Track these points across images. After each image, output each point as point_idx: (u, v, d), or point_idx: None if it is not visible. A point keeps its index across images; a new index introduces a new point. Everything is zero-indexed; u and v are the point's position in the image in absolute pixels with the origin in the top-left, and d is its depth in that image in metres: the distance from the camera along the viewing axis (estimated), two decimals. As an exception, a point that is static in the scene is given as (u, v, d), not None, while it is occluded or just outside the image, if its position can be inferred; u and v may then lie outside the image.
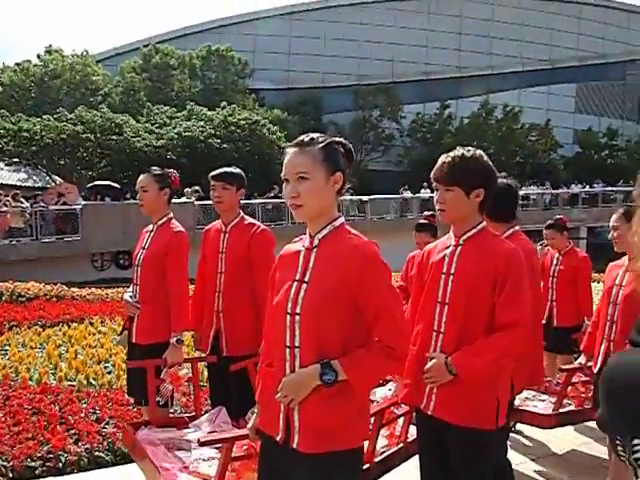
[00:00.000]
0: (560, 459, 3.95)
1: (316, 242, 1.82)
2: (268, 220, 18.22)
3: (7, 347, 6.19)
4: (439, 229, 3.84)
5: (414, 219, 4.34)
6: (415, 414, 2.41)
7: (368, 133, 35.92)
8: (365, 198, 23.17)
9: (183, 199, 18.29)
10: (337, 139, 1.85)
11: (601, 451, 3.86)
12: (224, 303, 3.34)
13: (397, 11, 40.56)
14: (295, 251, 1.88)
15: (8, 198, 16.15)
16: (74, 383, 4.89)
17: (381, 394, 3.48)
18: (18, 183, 23.18)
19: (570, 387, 3.84)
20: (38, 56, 31.52)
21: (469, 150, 2.21)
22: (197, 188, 18.17)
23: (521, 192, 25.83)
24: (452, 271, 2.23)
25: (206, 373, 4.13)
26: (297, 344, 1.76)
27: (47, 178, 24.61)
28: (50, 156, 23.76)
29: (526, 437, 4.25)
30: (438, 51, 40.69)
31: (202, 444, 2.15)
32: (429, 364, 2.18)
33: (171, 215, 3.39)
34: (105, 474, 3.48)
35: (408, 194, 24.84)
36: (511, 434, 4.20)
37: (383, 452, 2.88)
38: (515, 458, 3.83)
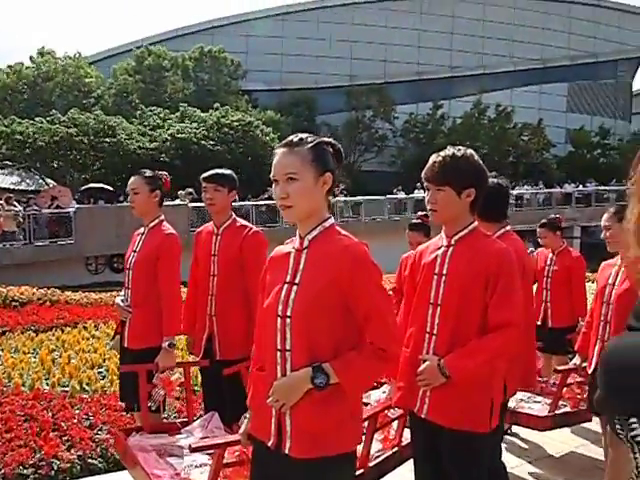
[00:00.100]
0: (556, 461, 3.94)
1: (306, 243, 1.81)
2: (262, 222, 18.21)
3: (0, 353, 6.14)
4: (432, 229, 3.83)
5: (408, 219, 4.36)
6: (409, 417, 2.39)
7: (361, 134, 35.97)
8: (359, 199, 23.18)
9: (177, 201, 18.26)
10: (326, 139, 1.84)
11: (597, 453, 3.84)
12: (217, 306, 3.31)
13: (389, 11, 40.63)
14: (285, 253, 1.86)
15: (1, 202, 16.05)
16: (67, 389, 4.84)
17: (375, 397, 3.46)
18: (11, 186, 23.07)
19: (565, 388, 3.83)
20: (30, 58, 31.41)
21: (460, 150, 2.20)
22: (191, 190, 18.12)
23: (515, 192, 25.96)
24: (444, 272, 2.21)
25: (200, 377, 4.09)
26: (288, 347, 1.74)
27: (40, 181, 24.50)
28: (43, 159, 23.67)
29: (522, 439, 4.24)
30: (430, 51, 40.79)
31: (193, 450, 2.13)
32: (422, 366, 2.16)
33: (162, 217, 3.36)
34: (98, 481, 3.44)
35: (402, 195, 24.86)
36: (507, 436, 4.19)
37: (377, 456, 2.86)
38: (511, 460, 3.81)
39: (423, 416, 2.20)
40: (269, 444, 1.76)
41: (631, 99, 47.21)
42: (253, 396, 1.88)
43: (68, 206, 17.70)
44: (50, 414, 4.09)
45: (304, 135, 1.81)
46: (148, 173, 3.35)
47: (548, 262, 4.79)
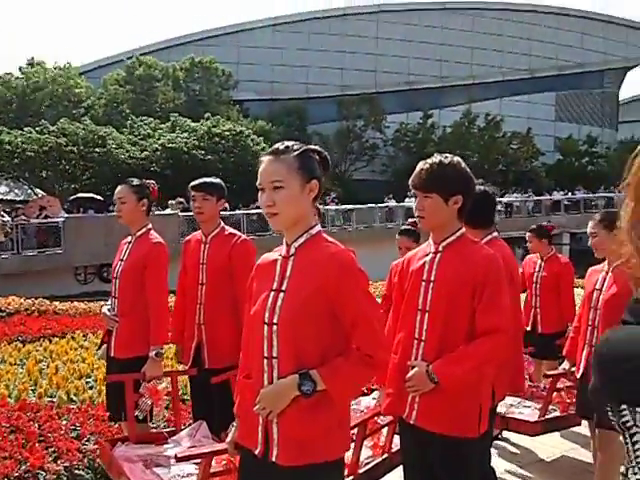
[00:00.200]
0: (547, 465, 3.96)
1: (293, 251, 1.80)
2: (253, 231, 18.19)
3: (-14, 364, 6.06)
4: (422, 236, 3.85)
5: (399, 228, 4.38)
6: (398, 424, 2.39)
7: (352, 143, 36.14)
8: (350, 207, 23.24)
9: (167, 211, 18.21)
10: (312, 147, 1.84)
11: (587, 456, 3.86)
12: (205, 315, 3.29)
13: (380, 22, 40.95)
14: (272, 260, 1.85)
15: (-11, 212, 15.95)
16: (54, 399, 4.79)
17: (366, 403, 3.46)
18: (-1, 196, 22.93)
19: (555, 393, 3.85)
20: (20, 69, 31.31)
21: (447, 157, 2.21)
22: (181, 200, 18.09)
23: (504, 199, 26.15)
24: (432, 278, 2.21)
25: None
26: (275, 354, 1.73)
27: (29, 191, 24.37)
28: (32, 169, 23.54)
29: (512, 444, 4.25)
30: (421, 61, 41.14)
31: (179, 459, 2.11)
32: (410, 373, 2.16)
33: (150, 226, 3.34)
34: (85, 492, 3.39)
35: (393, 203, 24.95)
36: (498, 441, 4.20)
37: (367, 463, 2.85)
38: (502, 465, 3.82)
39: (412, 422, 2.20)
40: (256, 452, 1.75)
41: (618, 108, 47.82)
42: (240, 404, 1.86)
43: (57, 216, 17.60)
44: (36, 425, 4.03)
45: (290, 143, 1.81)
46: (135, 182, 3.33)
47: (537, 268, 4.82)
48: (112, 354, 3.24)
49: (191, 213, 3.45)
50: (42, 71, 30.48)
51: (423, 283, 2.24)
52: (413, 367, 2.16)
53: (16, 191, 24.57)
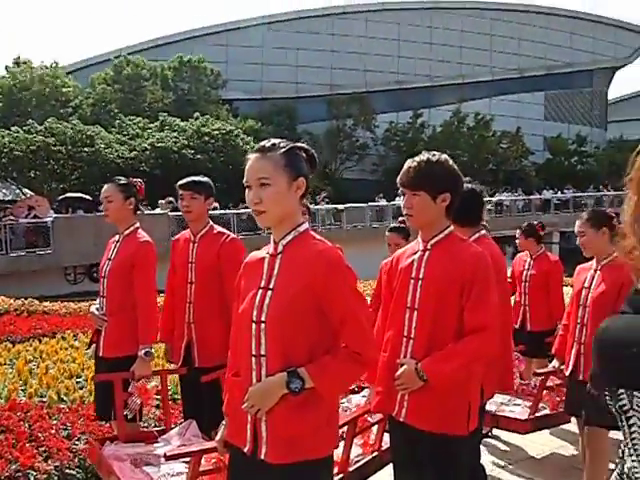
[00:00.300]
0: (536, 463, 3.98)
1: (280, 248, 1.80)
2: (243, 230, 18.15)
3: (-26, 365, 6.01)
4: (412, 233, 3.86)
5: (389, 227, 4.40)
6: (388, 421, 2.40)
7: (342, 142, 36.15)
8: (340, 207, 23.25)
9: (157, 210, 18.13)
10: (299, 144, 1.84)
11: (576, 454, 3.89)
12: (195, 314, 3.29)
13: (369, 22, 40.99)
14: (259, 258, 1.85)
15: (-24, 212, 15.81)
16: (44, 399, 4.76)
17: (356, 401, 3.46)
18: (-13, 197, 22.72)
19: (545, 391, 3.87)
20: (6, 68, 31.01)
21: (434, 154, 2.22)
22: (171, 199, 18.00)
23: (494, 198, 26.27)
24: (421, 276, 2.22)
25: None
26: (263, 352, 1.73)
27: (17, 191, 24.14)
28: (20, 169, 23.34)
29: (503, 442, 4.27)
30: (410, 61, 41.21)
31: (168, 458, 2.10)
32: (400, 370, 2.16)
33: (138, 225, 3.33)
34: (75, 492, 3.38)
35: (383, 202, 24.99)
36: (488, 439, 4.22)
37: (357, 461, 2.86)
38: (492, 463, 3.85)
39: (402, 420, 2.21)
40: (245, 450, 1.75)
41: (606, 108, 48.18)
42: (228, 402, 1.86)
43: (45, 216, 17.47)
44: (27, 425, 4.01)
45: (277, 140, 1.81)
46: (122, 181, 3.32)
47: (526, 266, 4.84)
48: (101, 354, 3.23)
49: (181, 213, 3.44)
50: (29, 70, 30.19)
51: (412, 281, 2.24)
52: (402, 365, 2.17)
53: (4, 191, 24.32)
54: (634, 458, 0.91)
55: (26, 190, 23.65)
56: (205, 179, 3.41)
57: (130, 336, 3.12)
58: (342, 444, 2.58)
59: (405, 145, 34.94)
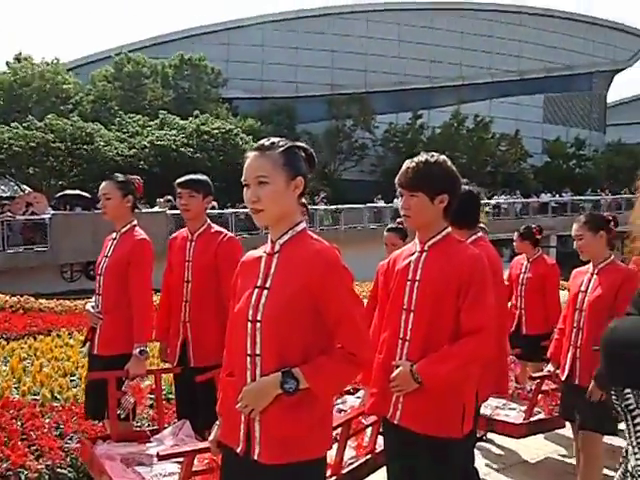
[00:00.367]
0: (530, 467, 3.98)
1: (277, 247, 1.80)
2: (241, 229, 18.14)
3: (-31, 361, 5.99)
4: (409, 234, 3.85)
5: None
6: (382, 424, 2.38)
7: (342, 142, 36.16)
8: (339, 207, 23.25)
9: (155, 209, 18.09)
10: (298, 144, 1.83)
11: (570, 458, 3.88)
12: (191, 313, 3.27)
13: (370, 22, 41.01)
14: (256, 257, 1.84)
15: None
16: (38, 397, 4.74)
17: (350, 403, 3.45)
18: (-15, 193, 22.68)
19: (540, 395, 3.86)
20: (7, 64, 30.94)
21: (433, 156, 2.21)
22: (169, 198, 17.96)
23: (492, 201, 26.28)
24: (417, 278, 2.21)
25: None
26: (258, 352, 1.72)
27: (15, 187, 24.11)
28: (19, 165, 23.30)
29: (497, 445, 4.27)
30: (410, 62, 41.24)
31: (161, 458, 2.08)
32: (395, 372, 2.15)
33: (135, 222, 3.32)
34: (66, 491, 3.36)
35: (381, 203, 24.99)
36: (482, 442, 4.21)
37: (351, 463, 2.84)
38: (486, 466, 3.84)
39: (396, 422, 2.19)
40: (238, 450, 1.74)
41: (605, 111, 48.27)
42: (222, 402, 1.86)
43: (43, 213, 17.43)
44: (19, 423, 3.99)
45: (276, 139, 1.80)
46: (120, 178, 3.31)
47: (523, 270, 4.84)
48: (95, 351, 3.21)
49: (179, 211, 3.42)
50: (29, 66, 30.13)
51: (408, 282, 2.23)
52: (397, 367, 2.16)
53: (2, 187, 24.30)
54: (639, 456, 0.93)
55: (24, 186, 23.62)
56: (204, 177, 3.39)
57: (125, 334, 3.10)
58: (335, 446, 2.56)
59: (404, 146, 34.95)
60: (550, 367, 3.54)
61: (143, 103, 30.25)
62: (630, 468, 0.94)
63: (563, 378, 3.24)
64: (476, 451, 3.15)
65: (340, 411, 3.19)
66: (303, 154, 1.81)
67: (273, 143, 1.77)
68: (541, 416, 3.89)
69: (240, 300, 1.80)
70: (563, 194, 30.95)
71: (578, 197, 30.44)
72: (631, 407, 0.94)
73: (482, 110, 39.45)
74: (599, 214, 3.43)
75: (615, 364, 0.98)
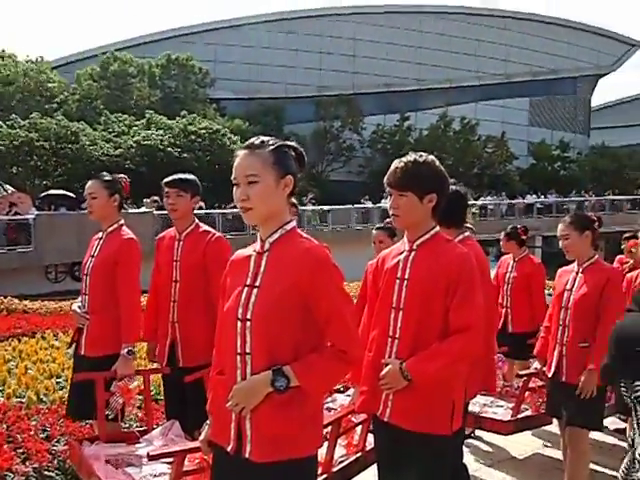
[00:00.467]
0: (519, 463, 4.03)
1: (267, 246, 1.80)
2: (229, 230, 18.08)
3: (-48, 363, 5.90)
4: (398, 233, 3.87)
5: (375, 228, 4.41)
6: (372, 421, 2.39)
7: (329, 144, 36.22)
8: (326, 208, 23.28)
9: (142, 209, 17.98)
10: (288, 143, 1.83)
11: (557, 454, 3.93)
12: (179, 313, 3.25)
13: (358, 24, 41.10)
14: (246, 256, 1.84)
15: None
16: (23, 400, 4.69)
17: (340, 401, 3.46)
18: (-33, 193, 22.36)
19: (527, 392, 3.90)
20: (-10, 61, 30.56)
21: (421, 155, 2.22)
22: (156, 198, 17.86)
23: (479, 202, 26.46)
24: (406, 276, 2.22)
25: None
26: (248, 350, 1.72)
27: (-1, 187, 23.82)
28: (2, 164, 23.05)
29: (485, 442, 4.31)
30: (398, 64, 41.41)
31: (151, 458, 2.07)
32: (384, 370, 2.16)
33: (122, 222, 3.29)
34: (54, 493, 3.33)
35: (369, 204, 25.06)
36: (470, 439, 4.25)
37: (341, 461, 2.85)
38: (475, 463, 3.88)
39: (386, 420, 2.20)
40: (229, 449, 1.73)
41: (589, 114, 48.84)
42: (213, 401, 1.85)
43: (27, 213, 17.24)
44: (5, 426, 3.94)
45: (265, 138, 1.80)
46: (107, 177, 3.28)
47: (509, 269, 4.89)
48: (82, 352, 3.18)
49: (166, 212, 3.40)
50: (13, 64, 29.81)
51: (397, 281, 2.24)
52: (387, 365, 2.17)
53: (-15, 187, 23.99)
54: None
55: (8, 186, 23.33)
56: (192, 177, 3.38)
57: (112, 335, 3.07)
58: (326, 444, 2.57)
59: (392, 148, 35.09)
60: (537, 365, 3.58)
61: (129, 102, 30.06)
62: (637, 455, 1.00)
63: (550, 375, 3.27)
64: (465, 448, 3.18)
65: (330, 410, 3.19)
66: (293, 153, 1.82)
67: (263, 142, 1.77)
68: (528, 413, 3.93)
69: (230, 299, 1.79)
70: (548, 195, 31.27)
71: (563, 199, 30.77)
72: None
73: (469, 112, 39.74)
74: (585, 214, 3.48)
75: (625, 358, 1.03)
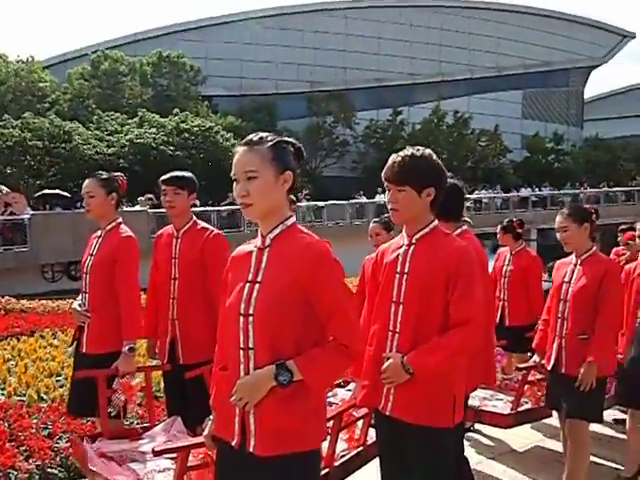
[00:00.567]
0: (519, 456, 4.04)
1: (268, 242, 1.81)
2: (224, 227, 18.06)
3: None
4: (395, 228, 3.88)
5: (369, 224, 4.37)
6: (374, 415, 2.41)
7: (322, 139, 36.17)
8: (321, 204, 23.27)
9: (136, 207, 17.94)
10: (286, 139, 1.84)
11: (557, 446, 3.96)
12: (179, 310, 3.26)
13: (349, 19, 41.03)
14: (247, 252, 1.85)
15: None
16: (24, 398, 4.70)
17: (341, 396, 3.47)
18: (-39, 193, 22.24)
19: (527, 385, 3.92)
20: (-20, 62, 30.35)
21: (419, 150, 2.23)
22: (150, 196, 17.82)
23: (473, 196, 26.50)
24: (406, 270, 2.23)
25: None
26: (251, 345, 1.73)
27: (-8, 188, 23.70)
28: (-5, 165, 22.93)
29: (485, 435, 4.33)
30: (390, 59, 41.37)
31: (156, 453, 2.09)
32: (385, 364, 2.17)
33: (120, 220, 3.29)
34: (57, 491, 3.34)
35: (363, 199, 25.08)
36: (471, 433, 4.27)
37: (343, 455, 2.86)
38: (475, 456, 3.89)
39: (388, 413, 2.22)
40: (233, 443, 1.75)
41: (582, 106, 48.95)
42: (216, 396, 1.86)
43: (22, 213, 17.18)
44: (6, 424, 3.95)
45: (264, 134, 1.81)
46: (104, 175, 3.28)
47: (506, 262, 4.90)
48: (83, 350, 3.18)
49: (161, 210, 3.42)
50: (4, 64, 29.62)
51: (397, 275, 2.25)
52: (388, 359, 2.18)
53: (-21, 188, 23.87)
54: None
55: (2, 186, 23.21)
56: (188, 174, 3.38)
57: (113, 332, 3.08)
58: (327, 439, 2.58)
59: (385, 142, 35.08)
60: (536, 358, 3.59)
61: (121, 101, 29.95)
62: None
63: (549, 368, 3.28)
64: (466, 441, 3.20)
65: (331, 404, 3.21)
66: (291, 149, 1.82)
67: (262, 138, 1.78)
68: (528, 406, 3.94)
69: (231, 294, 1.80)
70: (542, 188, 31.34)
71: (557, 191, 30.85)
72: None
73: (462, 106, 39.76)
74: (583, 206, 3.48)
75: None
